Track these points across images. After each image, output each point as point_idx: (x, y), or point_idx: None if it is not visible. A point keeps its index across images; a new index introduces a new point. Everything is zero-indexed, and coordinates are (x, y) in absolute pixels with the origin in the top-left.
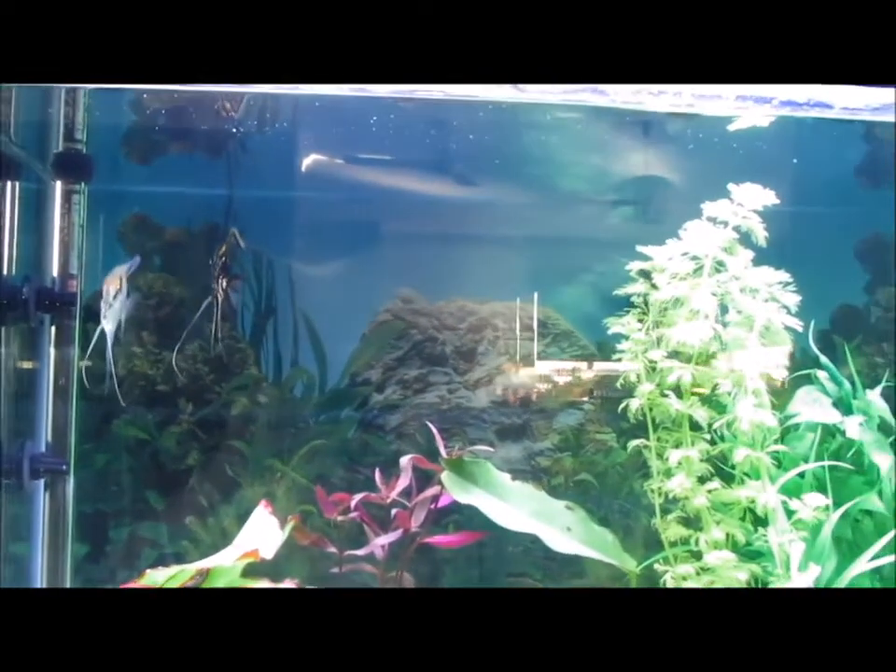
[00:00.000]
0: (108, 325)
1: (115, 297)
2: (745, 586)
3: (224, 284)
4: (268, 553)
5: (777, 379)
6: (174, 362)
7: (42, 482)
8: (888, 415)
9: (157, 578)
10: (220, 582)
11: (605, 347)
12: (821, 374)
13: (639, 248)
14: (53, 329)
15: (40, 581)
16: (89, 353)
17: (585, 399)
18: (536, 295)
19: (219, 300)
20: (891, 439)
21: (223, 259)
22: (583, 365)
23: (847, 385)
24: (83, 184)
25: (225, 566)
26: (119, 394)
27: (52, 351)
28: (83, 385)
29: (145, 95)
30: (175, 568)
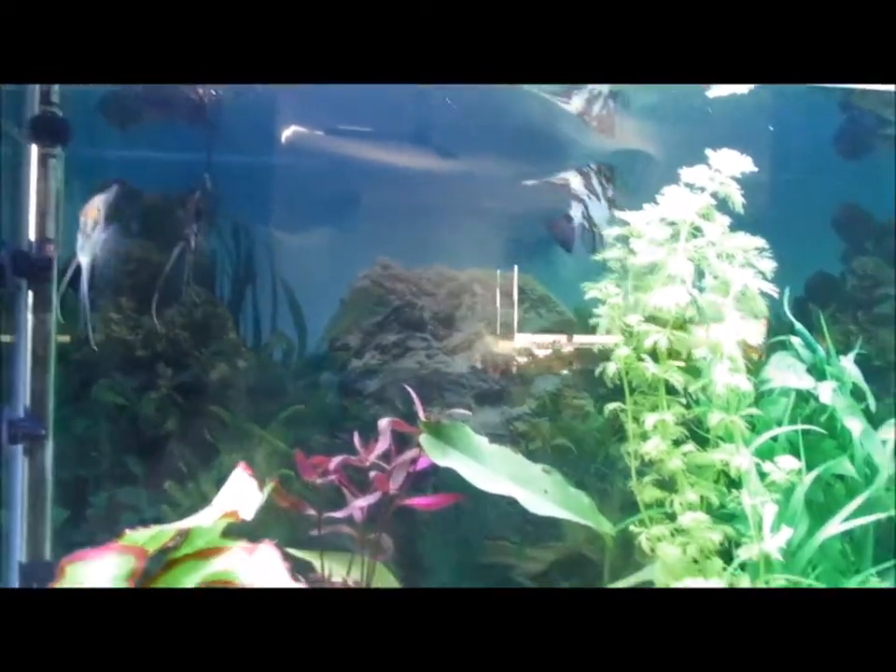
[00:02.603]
0: (84, 258)
1: (93, 228)
2: (718, 547)
3: (197, 230)
4: (247, 513)
5: (753, 344)
6: (153, 311)
7: (20, 447)
8: (860, 381)
9: (136, 538)
10: (200, 542)
11: (582, 313)
12: (796, 341)
13: (618, 214)
14: (31, 293)
15: (20, 546)
16: (63, 286)
17: (563, 364)
18: (514, 263)
19: (192, 245)
20: (863, 405)
21: (197, 204)
22: (561, 331)
23: (821, 351)
24: (60, 148)
25: (204, 526)
26: (92, 335)
27: (30, 316)
28: (61, 349)
29: None
30: (154, 528)
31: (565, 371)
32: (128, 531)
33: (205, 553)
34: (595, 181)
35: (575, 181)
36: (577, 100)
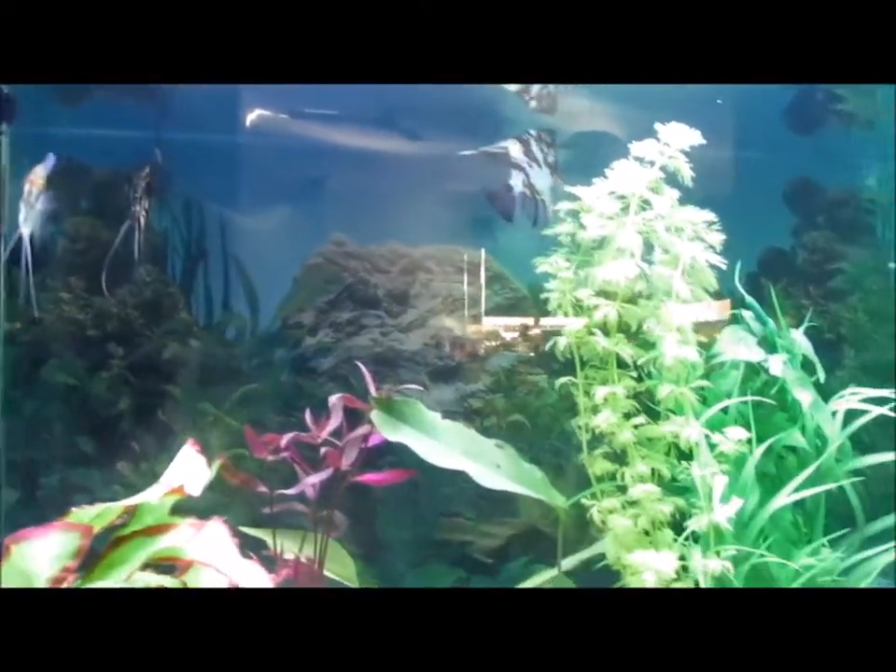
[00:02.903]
0: (27, 229)
1: (37, 198)
2: (669, 519)
3: (147, 206)
4: (194, 489)
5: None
6: (103, 290)
7: None
8: (811, 353)
9: (82, 515)
10: (148, 520)
11: (536, 289)
12: (747, 314)
13: (569, 188)
14: None
15: None
16: (7, 256)
17: (518, 341)
18: (469, 241)
19: (142, 223)
20: (814, 377)
21: (146, 180)
22: (515, 307)
23: (771, 324)
24: (5, 125)
25: (152, 503)
26: (36, 309)
27: None
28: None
29: None
30: (100, 506)
31: (520, 348)
32: (74, 509)
33: (153, 531)
34: (535, 148)
35: (514, 149)
36: None
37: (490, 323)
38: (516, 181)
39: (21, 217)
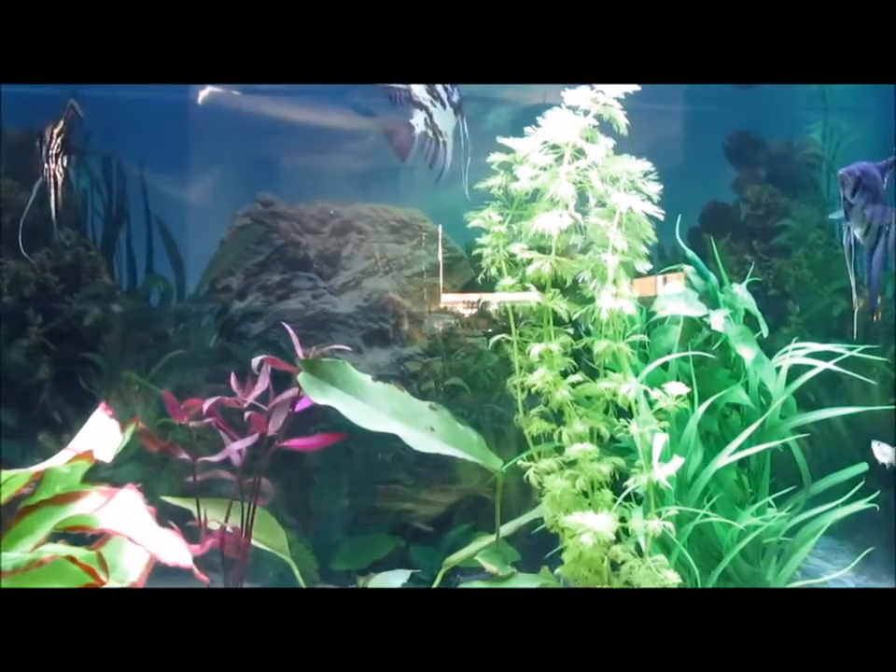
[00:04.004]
0: None
1: None
2: (608, 479)
3: (64, 163)
4: (105, 455)
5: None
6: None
7: None
8: (753, 308)
9: None
10: (58, 487)
11: (473, 248)
12: (688, 269)
13: (500, 140)
14: None
15: None
16: None
17: (455, 301)
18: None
19: (58, 180)
20: (757, 334)
21: (61, 135)
22: (453, 267)
23: (713, 279)
24: None
25: (62, 471)
26: None
27: None
28: None
29: None
30: (5, 474)
31: (457, 309)
32: None
33: (62, 499)
34: (438, 86)
35: (416, 87)
36: None
37: (426, 284)
38: (418, 120)
39: None
